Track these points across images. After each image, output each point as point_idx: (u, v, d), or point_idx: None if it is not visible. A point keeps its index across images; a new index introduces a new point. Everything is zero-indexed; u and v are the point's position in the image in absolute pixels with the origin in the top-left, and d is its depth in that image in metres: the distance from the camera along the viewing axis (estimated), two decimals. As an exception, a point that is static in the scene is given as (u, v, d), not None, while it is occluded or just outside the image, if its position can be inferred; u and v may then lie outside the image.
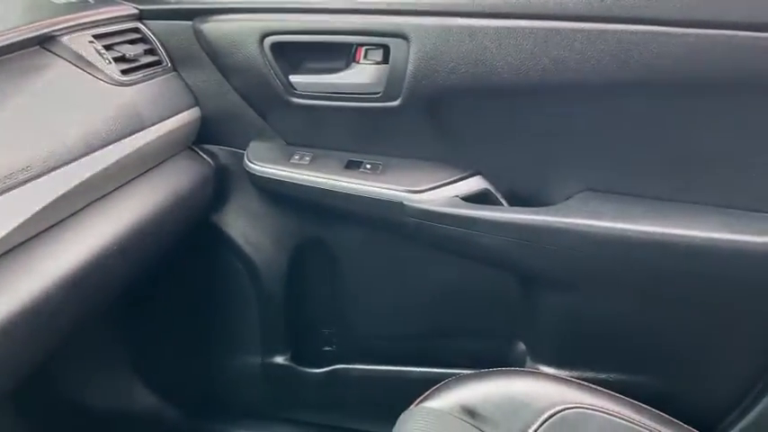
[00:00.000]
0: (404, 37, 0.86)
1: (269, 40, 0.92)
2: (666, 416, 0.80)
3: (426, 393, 0.84)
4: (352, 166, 0.98)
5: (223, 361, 1.22)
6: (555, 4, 0.79)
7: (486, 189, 0.95)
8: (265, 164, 1.00)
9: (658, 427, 0.78)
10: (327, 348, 1.19)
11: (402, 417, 0.80)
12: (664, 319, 0.90)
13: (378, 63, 0.90)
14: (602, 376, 0.96)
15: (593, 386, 0.83)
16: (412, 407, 0.82)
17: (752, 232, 0.80)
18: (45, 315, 0.67)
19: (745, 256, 0.80)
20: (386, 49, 0.89)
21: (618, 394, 0.82)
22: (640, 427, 0.78)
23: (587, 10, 0.78)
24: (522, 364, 1.03)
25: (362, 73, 0.92)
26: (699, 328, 0.89)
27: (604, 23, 0.77)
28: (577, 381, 0.85)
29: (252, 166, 1.00)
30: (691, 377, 0.93)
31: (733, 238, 0.81)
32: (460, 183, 0.94)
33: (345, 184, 0.95)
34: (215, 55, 0.95)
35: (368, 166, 0.97)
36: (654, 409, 0.81)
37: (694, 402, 0.91)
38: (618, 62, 0.78)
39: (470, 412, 0.79)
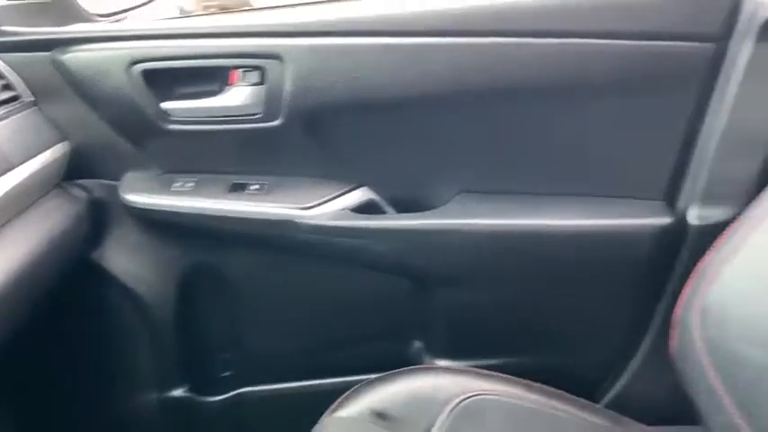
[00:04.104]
0: (278, 58, 0.88)
1: (138, 68, 0.89)
2: (555, 390, 0.89)
3: (336, 403, 0.86)
4: (237, 188, 0.98)
5: (118, 402, 1.16)
6: (421, 21, 0.85)
7: (373, 199, 0.99)
8: (144, 194, 0.97)
9: (549, 401, 0.86)
10: (227, 374, 1.17)
11: (314, 430, 0.81)
12: (543, 303, 0.99)
13: (254, 84, 0.91)
14: (496, 362, 1.03)
15: (490, 372, 0.90)
16: (323, 418, 0.83)
17: (609, 216, 0.91)
18: None
19: (606, 237, 0.91)
20: (261, 70, 0.90)
21: (512, 377, 0.89)
22: (533, 404, 0.85)
23: (453, 25, 0.84)
24: (420, 362, 1.08)
25: (239, 95, 0.92)
26: (573, 307, 0.99)
27: (470, 37, 0.84)
28: (475, 370, 0.91)
29: (129, 198, 0.97)
30: (571, 351, 1.03)
31: (594, 222, 0.91)
32: (347, 195, 0.97)
33: (232, 208, 0.95)
34: (80, 86, 0.91)
35: (253, 188, 0.98)
36: (544, 386, 0.89)
37: (577, 373, 1.01)
38: (483, 72, 0.84)
39: (381, 415, 0.82)
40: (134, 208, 0.97)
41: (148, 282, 1.05)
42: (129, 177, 0.99)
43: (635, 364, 0.98)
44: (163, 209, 0.96)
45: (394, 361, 1.02)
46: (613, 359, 1.01)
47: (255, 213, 0.94)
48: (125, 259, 1.04)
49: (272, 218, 0.94)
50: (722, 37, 0.81)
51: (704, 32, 0.81)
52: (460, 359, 1.05)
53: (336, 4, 0.96)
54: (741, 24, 0.80)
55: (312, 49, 0.87)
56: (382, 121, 0.92)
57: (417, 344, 1.10)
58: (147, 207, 0.97)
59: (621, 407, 0.94)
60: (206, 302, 1.10)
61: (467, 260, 0.95)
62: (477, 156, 0.94)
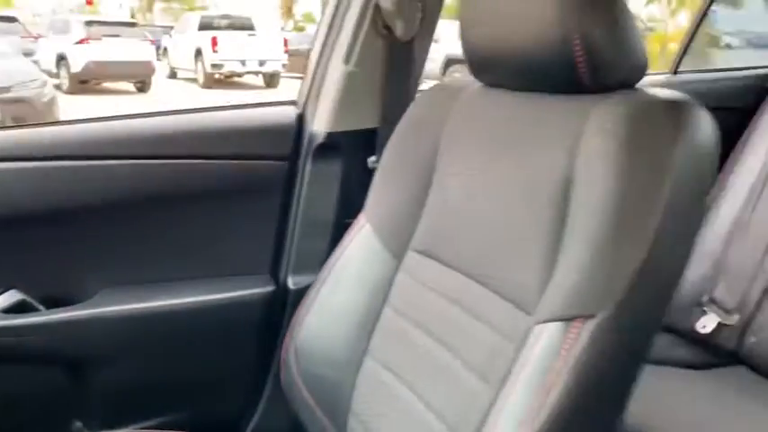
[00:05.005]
0: None
1: None
2: None
3: None
4: None
5: None
6: (44, 148, 1.02)
7: (23, 299, 1.09)
8: None
9: None
10: None
11: None
12: (186, 367, 1.20)
13: None
14: (154, 422, 1.20)
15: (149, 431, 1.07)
16: None
17: (230, 290, 1.18)
18: None
19: (229, 307, 1.17)
20: None
21: (170, 431, 1.07)
22: None
23: (70, 150, 1.04)
24: None
25: None
26: (211, 366, 1.22)
27: (91, 161, 1.05)
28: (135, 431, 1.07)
29: None
30: (214, 402, 1.25)
31: (219, 296, 1.17)
32: None
33: None
34: None
35: None
36: None
37: (222, 418, 1.24)
38: (110, 189, 1.07)
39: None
40: None
41: None
42: None
43: (264, 402, 1.26)
44: None
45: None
46: (248, 402, 1.27)
47: None
48: None
49: None
50: (292, 157, 1.17)
51: (279, 154, 1.16)
52: (119, 427, 1.18)
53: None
54: (303, 148, 1.17)
55: None
56: (23, 231, 1.06)
57: (78, 423, 1.20)
58: None
59: None
60: None
61: (112, 343, 1.12)
62: (115, 255, 1.14)
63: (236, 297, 1.18)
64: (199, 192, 1.13)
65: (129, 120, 1.11)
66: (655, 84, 1.51)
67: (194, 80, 10.68)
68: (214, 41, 10.29)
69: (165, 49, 11.74)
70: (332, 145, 1.15)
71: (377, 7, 1.09)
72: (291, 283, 1.19)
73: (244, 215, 1.18)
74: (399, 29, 1.08)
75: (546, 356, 0.66)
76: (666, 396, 1.27)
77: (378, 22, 1.10)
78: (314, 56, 1.17)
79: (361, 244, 0.97)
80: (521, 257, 0.75)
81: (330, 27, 1.14)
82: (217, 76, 10.60)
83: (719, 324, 1.40)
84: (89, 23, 9.54)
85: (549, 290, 0.70)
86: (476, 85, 0.88)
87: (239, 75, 10.75)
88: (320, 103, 1.16)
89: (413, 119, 0.95)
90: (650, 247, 0.65)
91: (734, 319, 1.38)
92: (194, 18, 11.52)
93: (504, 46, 0.80)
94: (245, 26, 10.94)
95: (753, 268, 1.39)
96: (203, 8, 21.15)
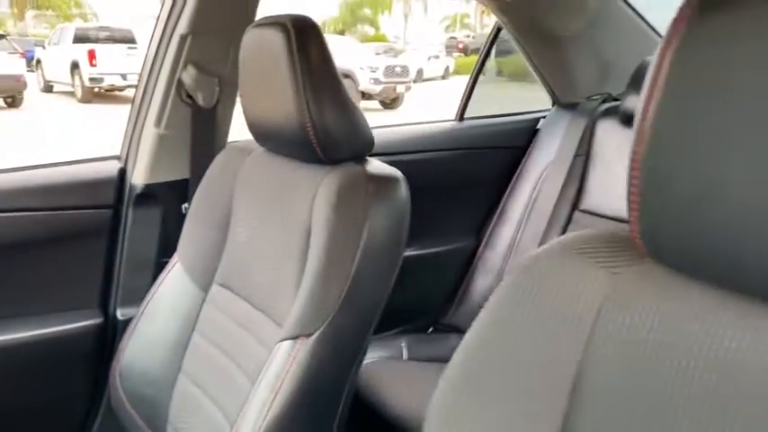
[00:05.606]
0: None
1: None
2: None
3: None
4: None
5: None
6: None
7: None
8: None
9: None
10: None
11: None
12: (19, 392, 1.32)
13: None
14: None
15: None
16: None
17: (63, 324, 1.33)
18: None
19: (65, 340, 1.32)
20: None
21: None
22: None
23: None
24: None
25: None
26: (44, 391, 1.35)
27: None
28: None
29: None
30: (54, 423, 1.39)
31: (54, 330, 1.31)
32: None
33: None
34: None
35: None
36: None
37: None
38: None
39: None
40: None
41: None
42: None
43: (98, 423, 1.41)
44: None
45: None
46: (85, 422, 1.42)
47: None
48: None
49: None
50: (116, 205, 1.34)
51: (104, 203, 1.34)
52: None
53: None
54: (125, 197, 1.35)
55: None
56: None
57: None
58: None
59: None
60: None
61: None
62: None
63: (69, 329, 1.33)
64: (33, 239, 1.27)
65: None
66: (442, 129, 1.81)
67: (72, 94, 10.30)
68: (92, 54, 9.96)
69: (39, 61, 11.23)
70: (150, 194, 1.34)
71: (180, 81, 1.29)
72: (120, 314, 1.36)
73: (75, 257, 1.34)
74: (200, 99, 1.30)
75: (280, 365, 0.90)
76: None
77: (182, 93, 1.31)
78: (131, 118, 1.36)
79: (173, 280, 1.16)
80: (281, 289, 0.98)
81: (143, 95, 1.34)
82: (96, 89, 10.27)
83: (499, 326, 1.71)
84: (-51, 37, 9.01)
85: (289, 315, 0.93)
86: (260, 148, 1.11)
87: (120, 89, 10.45)
88: (138, 159, 1.34)
89: (213, 174, 1.16)
90: (351, 280, 0.90)
91: (510, 322, 1.70)
92: (70, 29, 11.10)
93: (269, 124, 1.03)
94: (125, 39, 10.65)
95: (523, 279, 1.71)
96: (83, 15, 20.24)
